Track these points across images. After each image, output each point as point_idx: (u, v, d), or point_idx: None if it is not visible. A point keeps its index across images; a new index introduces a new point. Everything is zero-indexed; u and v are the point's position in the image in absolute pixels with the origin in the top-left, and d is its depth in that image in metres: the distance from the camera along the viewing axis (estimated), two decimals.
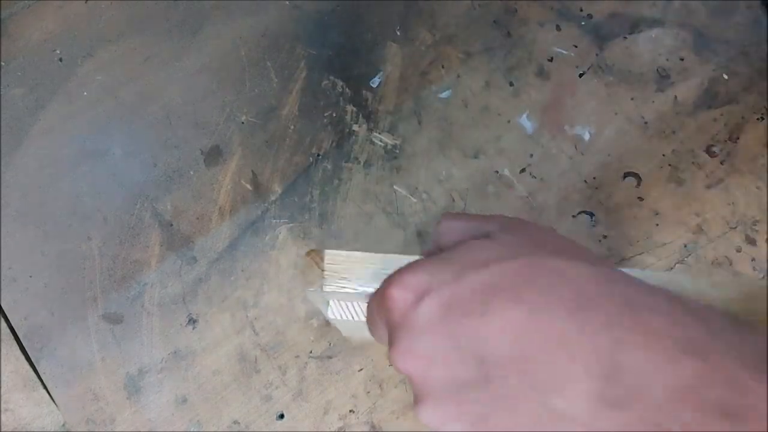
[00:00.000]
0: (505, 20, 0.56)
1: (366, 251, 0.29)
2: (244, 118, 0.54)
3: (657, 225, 0.50)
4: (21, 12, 0.58)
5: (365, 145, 0.53)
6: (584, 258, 0.23)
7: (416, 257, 0.28)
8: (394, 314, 0.23)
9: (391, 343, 0.24)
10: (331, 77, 0.55)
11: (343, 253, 0.29)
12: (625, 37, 0.55)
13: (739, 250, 0.49)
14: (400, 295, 0.23)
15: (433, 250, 0.28)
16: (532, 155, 0.52)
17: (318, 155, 0.53)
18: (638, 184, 0.51)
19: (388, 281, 0.24)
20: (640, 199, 0.51)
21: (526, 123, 0.53)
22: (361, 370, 0.47)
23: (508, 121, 0.53)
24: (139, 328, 0.49)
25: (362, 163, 0.53)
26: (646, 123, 0.53)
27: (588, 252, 0.26)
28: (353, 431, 0.46)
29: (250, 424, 0.46)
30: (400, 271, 0.24)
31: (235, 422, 0.46)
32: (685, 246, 0.49)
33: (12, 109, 0.55)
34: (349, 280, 0.28)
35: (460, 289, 0.22)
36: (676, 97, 0.54)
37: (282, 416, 0.47)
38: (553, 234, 0.27)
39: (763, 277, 0.48)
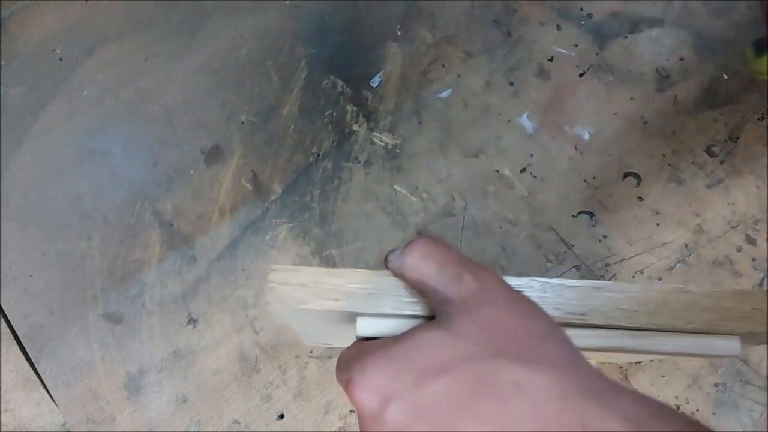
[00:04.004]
0: (506, 20, 0.56)
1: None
2: (244, 117, 0.54)
3: (657, 225, 0.50)
4: (21, 12, 0.58)
5: (365, 145, 0.53)
6: (548, 351, 0.23)
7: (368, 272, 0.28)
8: (361, 414, 0.24)
9: None
10: (332, 77, 0.55)
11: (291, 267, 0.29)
12: (626, 37, 0.55)
13: (739, 250, 0.49)
14: (365, 398, 0.23)
15: (392, 269, 0.28)
16: (532, 155, 0.52)
17: (318, 155, 0.53)
18: (638, 184, 0.51)
19: (351, 379, 0.24)
20: (640, 199, 0.51)
21: (527, 123, 0.53)
22: None
23: (509, 121, 0.53)
24: (139, 327, 0.49)
25: (362, 163, 0.53)
26: (646, 123, 0.53)
27: (553, 331, 0.25)
28: (353, 431, 0.46)
29: (250, 424, 0.46)
30: (360, 368, 0.24)
31: (236, 422, 0.46)
32: (686, 246, 0.49)
33: (12, 109, 0.55)
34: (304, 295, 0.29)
35: (422, 398, 0.23)
36: (676, 96, 0.54)
37: (282, 416, 0.47)
38: (521, 312, 0.25)
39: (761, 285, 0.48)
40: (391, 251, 0.28)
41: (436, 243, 0.27)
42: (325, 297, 0.28)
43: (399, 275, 0.28)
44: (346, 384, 0.24)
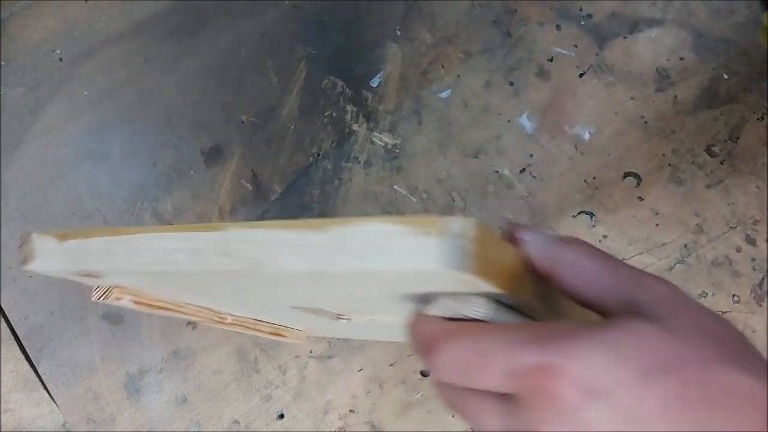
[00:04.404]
0: (505, 20, 0.56)
1: None
2: (244, 118, 0.54)
3: (657, 225, 0.50)
4: (21, 12, 0.58)
5: (365, 145, 0.53)
6: (765, 366, 0.21)
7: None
8: (546, 408, 0.20)
9: None
10: (331, 77, 0.55)
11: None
12: (625, 37, 0.55)
13: (739, 250, 0.49)
14: (566, 388, 0.19)
15: (533, 255, 0.24)
16: (532, 155, 0.52)
17: (318, 155, 0.53)
18: (638, 184, 0.51)
19: (553, 366, 0.20)
20: (640, 199, 0.51)
21: (526, 123, 0.53)
22: (361, 370, 0.47)
23: (508, 121, 0.53)
24: (139, 328, 0.49)
25: (362, 163, 0.53)
26: (646, 123, 0.53)
27: (752, 345, 0.22)
28: (353, 431, 0.46)
29: (250, 424, 0.46)
30: (568, 352, 0.20)
31: (235, 422, 0.47)
32: (685, 246, 0.49)
33: (12, 109, 0.55)
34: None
35: (639, 398, 0.19)
36: (675, 96, 0.54)
37: (282, 416, 0.47)
38: (721, 322, 0.22)
39: None
40: (524, 227, 0.24)
41: (595, 247, 0.24)
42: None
43: (541, 265, 0.24)
44: (547, 369, 0.20)
